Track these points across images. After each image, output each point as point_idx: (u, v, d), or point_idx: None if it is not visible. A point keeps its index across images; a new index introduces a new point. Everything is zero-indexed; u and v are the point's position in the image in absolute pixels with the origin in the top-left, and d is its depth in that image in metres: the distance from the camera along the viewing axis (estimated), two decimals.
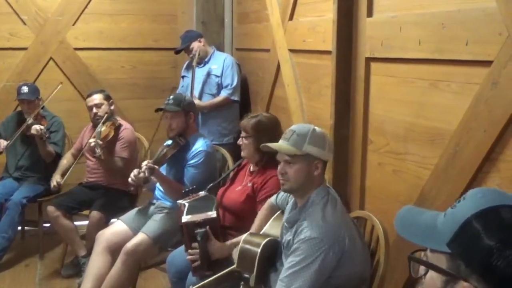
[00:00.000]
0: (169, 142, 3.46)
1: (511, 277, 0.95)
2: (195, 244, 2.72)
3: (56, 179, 4.11)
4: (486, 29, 1.90)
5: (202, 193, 2.99)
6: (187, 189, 2.99)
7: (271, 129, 2.92)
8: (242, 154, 3.03)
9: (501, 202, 1.03)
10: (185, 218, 2.79)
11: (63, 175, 4.13)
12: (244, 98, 4.71)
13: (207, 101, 4.48)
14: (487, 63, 1.91)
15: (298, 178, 2.26)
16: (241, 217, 2.94)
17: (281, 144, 2.30)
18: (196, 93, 4.45)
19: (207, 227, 2.73)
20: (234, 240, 2.76)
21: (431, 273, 1.08)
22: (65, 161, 4.29)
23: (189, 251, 2.76)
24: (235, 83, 4.50)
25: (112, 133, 3.96)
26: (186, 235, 2.78)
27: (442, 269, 1.05)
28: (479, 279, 0.98)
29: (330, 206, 2.24)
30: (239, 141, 3.02)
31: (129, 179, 3.28)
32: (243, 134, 2.98)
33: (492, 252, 0.96)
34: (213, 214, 2.82)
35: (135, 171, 3.26)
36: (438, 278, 1.06)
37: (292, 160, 2.26)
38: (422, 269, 1.11)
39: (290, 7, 3.66)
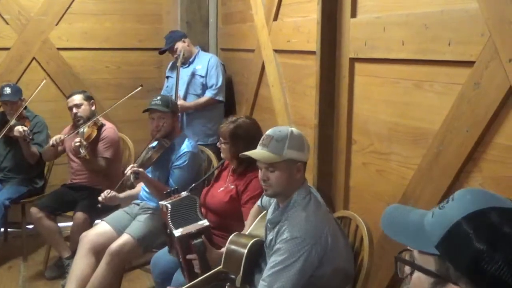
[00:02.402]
0: (154, 144, 3.45)
1: (500, 281, 0.95)
2: (191, 256, 2.62)
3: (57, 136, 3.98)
4: (469, 30, 1.92)
5: (184, 194, 2.96)
6: (168, 190, 2.98)
7: (248, 135, 2.89)
8: (222, 155, 3.07)
9: (489, 204, 1.02)
10: (177, 232, 2.66)
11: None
12: (229, 98, 4.70)
13: (191, 101, 4.47)
14: (469, 64, 1.93)
15: (280, 182, 2.25)
16: (225, 217, 2.95)
17: (261, 152, 2.28)
18: (181, 93, 4.44)
19: (203, 236, 2.64)
20: None
21: (419, 274, 1.07)
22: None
23: (196, 265, 2.64)
24: (219, 83, 4.49)
25: (94, 133, 3.94)
26: (180, 248, 2.66)
27: (431, 271, 1.04)
28: (468, 282, 0.98)
29: (312, 206, 2.24)
30: (218, 144, 3.05)
31: (100, 198, 3.31)
32: (221, 139, 3.00)
33: (481, 256, 0.96)
34: (205, 222, 2.72)
35: (105, 192, 3.31)
36: (426, 280, 1.05)
37: (273, 166, 2.25)
38: (407, 268, 1.11)
39: (274, 8, 3.67)
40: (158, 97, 3.50)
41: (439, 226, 1.04)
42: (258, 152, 2.30)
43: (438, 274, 1.03)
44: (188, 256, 2.63)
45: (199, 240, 2.61)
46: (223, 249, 2.64)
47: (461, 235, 1.00)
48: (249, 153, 2.32)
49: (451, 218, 1.03)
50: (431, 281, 1.04)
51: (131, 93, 4.06)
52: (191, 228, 2.67)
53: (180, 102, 4.28)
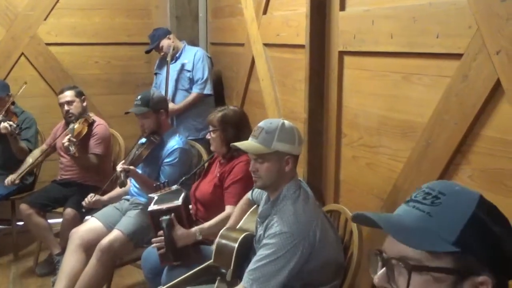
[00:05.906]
0: (143, 140, 3.43)
1: None
2: (160, 232, 2.73)
3: (11, 178, 4.04)
4: (457, 23, 1.92)
5: (174, 187, 2.99)
6: (158, 183, 2.98)
7: (237, 121, 2.97)
8: (211, 148, 3.07)
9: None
10: (151, 207, 2.82)
11: (20, 175, 4.08)
12: (219, 92, 4.68)
13: (180, 101, 4.42)
14: (457, 56, 1.93)
15: (269, 175, 2.27)
16: (210, 208, 2.98)
17: (250, 143, 2.30)
18: (170, 90, 4.40)
19: (172, 214, 2.75)
20: (199, 227, 2.80)
21: (428, 277, 1.00)
22: (30, 159, 4.20)
23: (153, 239, 2.77)
24: (205, 76, 4.44)
25: (85, 130, 3.93)
26: (152, 223, 2.80)
27: (451, 269, 0.99)
28: (492, 270, 0.99)
29: (301, 200, 2.24)
30: (208, 136, 3.05)
31: (83, 203, 3.38)
32: (210, 128, 3.01)
33: (500, 239, 0.99)
34: (178, 202, 2.84)
35: (89, 197, 3.39)
36: (444, 280, 1.00)
37: (262, 157, 2.26)
38: (403, 279, 1.02)
39: (264, 1, 3.65)
40: (139, 97, 3.46)
41: (451, 222, 1.01)
42: (247, 143, 2.32)
43: (459, 271, 0.99)
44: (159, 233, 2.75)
45: (167, 217, 2.73)
46: (192, 229, 2.76)
47: (479, 224, 1.01)
48: (239, 144, 2.34)
49: (464, 210, 1.01)
50: (452, 279, 0.99)
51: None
52: (163, 205, 2.81)
53: (169, 106, 4.23)
